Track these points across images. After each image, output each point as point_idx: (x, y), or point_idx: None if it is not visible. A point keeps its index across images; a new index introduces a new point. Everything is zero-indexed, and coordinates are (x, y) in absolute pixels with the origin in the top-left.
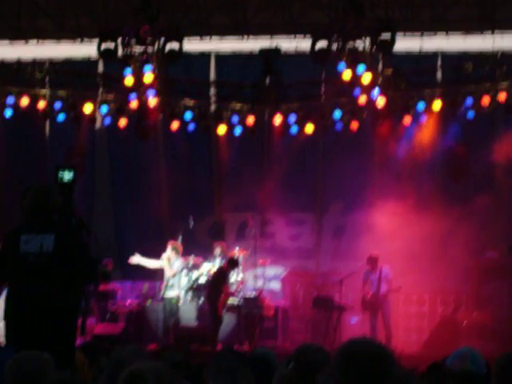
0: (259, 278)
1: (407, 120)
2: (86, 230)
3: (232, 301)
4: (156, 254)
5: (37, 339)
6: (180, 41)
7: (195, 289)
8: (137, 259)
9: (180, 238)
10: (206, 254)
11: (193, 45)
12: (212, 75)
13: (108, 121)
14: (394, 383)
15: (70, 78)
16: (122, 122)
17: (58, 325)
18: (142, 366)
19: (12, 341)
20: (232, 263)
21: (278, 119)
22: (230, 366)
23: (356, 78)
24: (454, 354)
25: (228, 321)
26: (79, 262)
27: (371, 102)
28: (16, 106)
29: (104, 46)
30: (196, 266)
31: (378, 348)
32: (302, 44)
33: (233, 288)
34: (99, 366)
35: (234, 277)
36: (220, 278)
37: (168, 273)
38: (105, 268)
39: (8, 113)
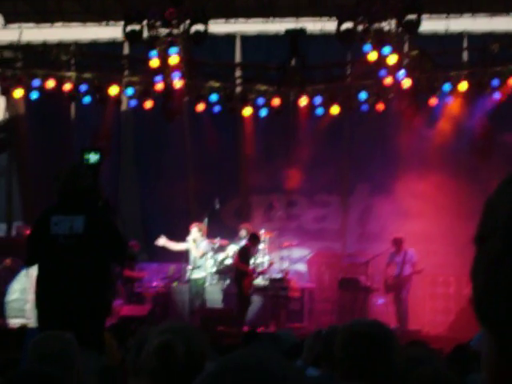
0: (285, 259)
1: (433, 101)
2: (113, 212)
3: (258, 282)
4: (182, 236)
5: (67, 320)
6: (205, 23)
7: (221, 271)
8: (162, 241)
9: (206, 220)
10: (232, 235)
11: (218, 27)
12: (237, 57)
13: (133, 103)
14: (395, 365)
15: (96, 60)
16: (148, 104)
17: (87, 306)
18: (170, 336)
19: (43, 322)
20: (253, 238)
21: (303, 101)
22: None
23: (382, 60)
24: (479, 336)
25: (254, 302)
26: (109, 243)
27: (397, 84)
28: (42, 89)
29: (129, 28)
30: (222, 248)
31: (378, 329)
32: (328, 25)
33: (260, 268)
34: (127, 347)
35: (260, 258)
36: (243, 257)
37: (195, 254)
38: (131, 250)
39: (34, 95)
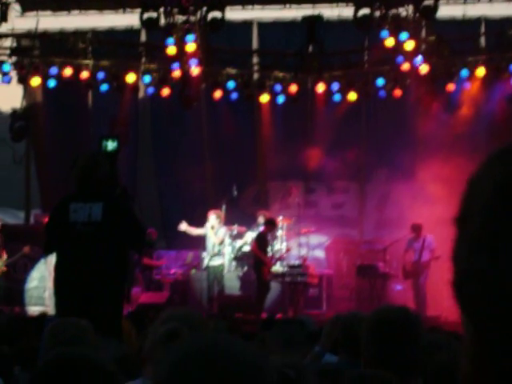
0: (303, 246)
1: (450, 87)
2: (131, 199)
3: (276, 269)
4: (200, 223)
5: (85, 307)
6: (222, 10)
7: (239, 258)
8: (184, 227)
9: (224, 207)
10: (250, 222)
11: (235, 13)
12: (254, 44)
13: (151, 90)
14: (420, 352)
15: (113, 47)
16: (165, 92)
17: (105, 293)
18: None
19: (60, 309)
20: (270, 223)
21: (320, 87)
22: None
23: (399, 45)
24: None
25: (272, 289)
26: (127, 231)
27: (414, 70)
28: (59, 77)
29: (146, 15)
30: (240, 235)
31: (405, 314)
32: (345, 11)
33: (277, 254)
34: (145, 334)
35: (278, 245)
36: (261, 243)
37: (213, 241)
38: (149, 237)
39: (51, 83)
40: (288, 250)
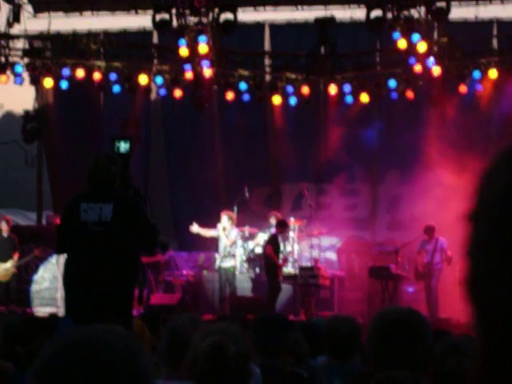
0: (315, 248)
1: (463, 89)
2: (143, 200)
3: (288, 270)
4: (211, 224)
5: (95, 306)
6: (234, 11)
7: (251, 259)
8: (196, 228)
9: (235, 208)
10: (261, 224)
11: (247, 15)
12: (266, 45)
13: (163, 92)
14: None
15: (125, 49)
16: (177, 93)
17: (115, 292)
18: (221, 337)
19: (70, 309)
20: (281, 224)
21: (332, 89)
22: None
23: (411, 47)
24: None
25: (284, 290)
26: (138, 232)
27: (426, 71)
28: (71, 78)
29: (158, 17)
30: (252, 236)
31: (411, 316)
32: (357, 13)
33: (288, 256)
34: (158, 336)
35: (290, 246)
36: (275, 245)
37: (225, 242)
38: (164, 239)
39: (64, 85)
40: (291, 253)
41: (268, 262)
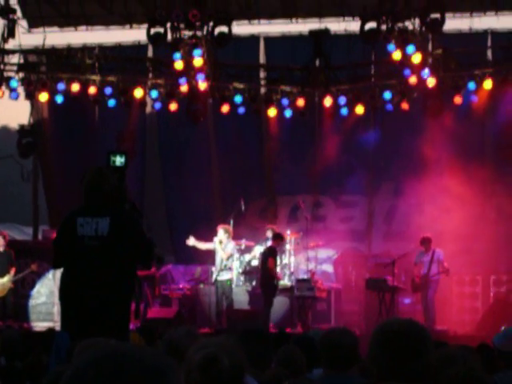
0: (311, 260)
1: (458, 100)
2: (139, 214)
3: (285, 283)
4: (207, 237)
5: (91, 321)
6: (229, 24)
7: (247, 272)
8: (192, 241)
9: (231, 221)
10: (258, 236)
11: (242, 28)
12: (261, 58)
13: (158, 105)
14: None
15: (120, 63)
16: (172, 107)
17: (112, 307)
18: (214, 349)
19: (67, 322)
20: (277, 237)
21: (328, 101)
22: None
23: (406, 59)
24: (502, 334)
25: (281, 303)
26: (135, 246)
27: (421, 83)
28: (66, 92)
29: (153, 30)
30: (248, 250)
31: (412, 327)
32: (351, 25)
33: (285, 268)
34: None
35: (286, 259)
36: (275, 258)
37: (222, 255)
38: (160, 252)
39: (59, 99)
40: (286, 266)
41: (266, 275)
